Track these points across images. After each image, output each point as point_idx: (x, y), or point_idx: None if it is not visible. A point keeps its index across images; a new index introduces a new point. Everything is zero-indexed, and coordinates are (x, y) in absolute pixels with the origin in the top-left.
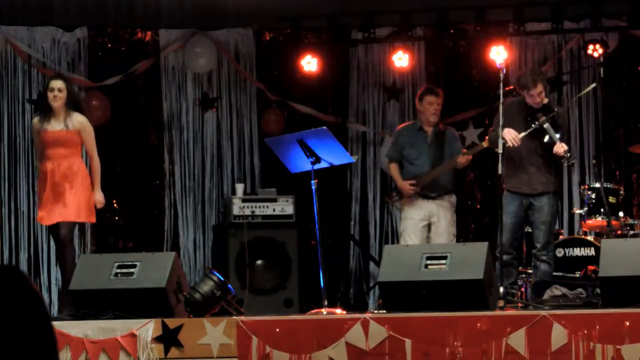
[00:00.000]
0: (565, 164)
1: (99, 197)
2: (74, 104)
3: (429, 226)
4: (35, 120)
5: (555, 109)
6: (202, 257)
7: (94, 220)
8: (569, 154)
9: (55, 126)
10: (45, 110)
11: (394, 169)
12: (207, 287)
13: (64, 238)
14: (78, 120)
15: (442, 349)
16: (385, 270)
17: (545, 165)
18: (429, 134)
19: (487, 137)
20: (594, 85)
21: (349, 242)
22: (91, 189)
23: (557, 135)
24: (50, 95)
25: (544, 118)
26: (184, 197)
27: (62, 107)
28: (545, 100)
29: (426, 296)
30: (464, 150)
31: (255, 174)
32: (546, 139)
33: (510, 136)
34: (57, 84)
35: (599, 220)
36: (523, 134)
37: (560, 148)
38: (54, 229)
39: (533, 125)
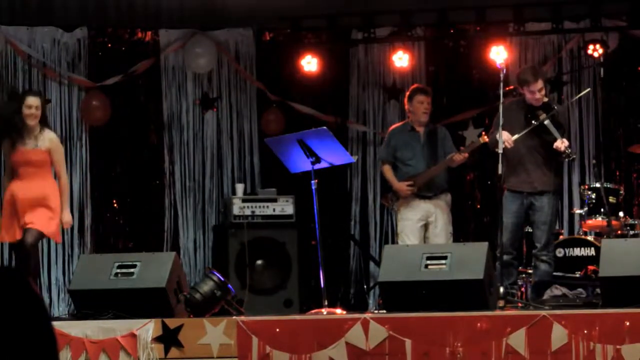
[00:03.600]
0: (566, 160)
1: (67, 218)
2: (45, 120)
3: (426, 226)
4: (6, 140)
5: (555, 107)
6: (202, 257)
7: (59, 240)
8: (569, 150)
9: (26, 145)
10: (19, 129)
11: (388, 171)
12: (207, 287)
13: (31, 246)
14: (49, 138)
15: (442, 349)
16: (385, 270)
17: (545, 163)
18: (421, 134)
19: (484, 133)
20: (588, 90)
21: (349, 242)
22: (59, 209)
23: (559, 131)
24: (27, 112)
25: (544, 115)
26: (184, 197)
27: (37, 125)
28: (545, 99)
29: (426, 296)
30: (462, 148)
31: (255, 174)
32: (547, 135)
33: (504, 138)
34: (33, 101)
35: (599, 220)
36: (517, 135)
37: (560, 144)
38: (17, 244)
39: (533, 122)
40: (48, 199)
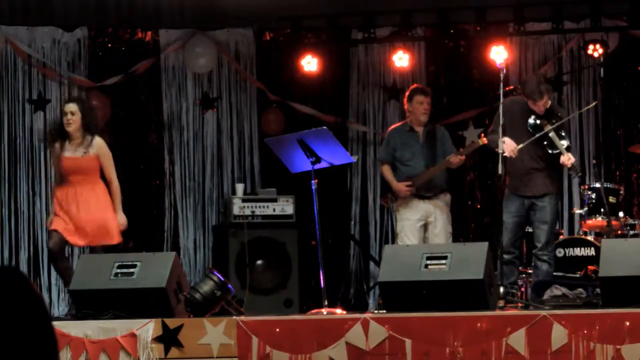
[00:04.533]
0: (573, 176)
1: (122, 220)
2: (91, 125)
3: (425, 226)
4: (57, 145)
5: (560, 114)
6: (202, 257)
7: (114, 241)
8: (576, 166)
9: (73, 152)
10: (62, 135)
11: (387, 171)
12: (207, 287)
13: (57, 248)
14: (97, 144)
15: (442, 349)
16: (385, 270)
17: (549, 170)
18: (421, 134)
19: (482, 135)
20: (595, 103)
21: (349, 242)
22: (111, 211)
23: (564, 145)
24: (64, 119)
25: (548, 126)
26: (184, 197)
27: (78, 131)
28: (548, 104)
29: (426, 296)
30: (461, 150)
31: (255, 174)
32: (551, 148)
33: (509, 149)
34: (71, 107)
35: (599, 220)
36: (521, 145)
37: (567, 160)
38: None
39: (537, 135)
40: (92, 202)
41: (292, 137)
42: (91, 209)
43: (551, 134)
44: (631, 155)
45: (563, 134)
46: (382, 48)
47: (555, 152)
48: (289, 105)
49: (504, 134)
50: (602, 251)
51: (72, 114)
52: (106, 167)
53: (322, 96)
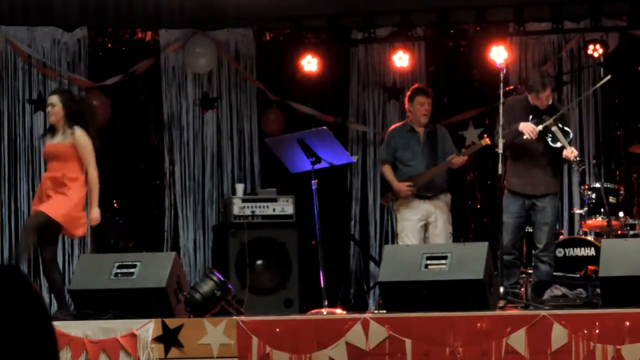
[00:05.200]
0: (576, 170)
1: (94, 214)
2: (75, 118)
3: (426, 226)
4: (47, 137)
5: (561, 110)
6: (202, 257)
7: (76, 233)
8: (579, 159)
9: (53, 139)
10: (51, 128)
11: (387, 171)
12: (207, 287)
13: (30, 223)
14: (75, 134)
15: (442, 349)
16: (385, 270)
17: (550, 168)
18: (421, 135)
19: (485, 135)
20: (609, 77)
21: (349, 242)
22: (82, 202)
23: (567, 139)
24: (47, 111)
25: (551, 121)
26: (184, 197)
27: (61, 122)
28: (550, 101)
29: (426, 296)
30: (463, 150)
31: (255, 174)
32: (554, 142)
33: (528, 129)
34: (51, 99)
35: (599, 220)
36: (541, 126)
37: (570, 153)
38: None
39: (541, 127)
40: (66, 189)
41: (292, 137)
42: (60, 191)
43: (554, 128)
44: (631, 155)
45: (566, 128)
46: (382, 48)
47: (558, 145)
48: (289, 105)
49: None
50: (602, 251)
51: (53, 105)
52: (82, 157)
53: (322, 96)
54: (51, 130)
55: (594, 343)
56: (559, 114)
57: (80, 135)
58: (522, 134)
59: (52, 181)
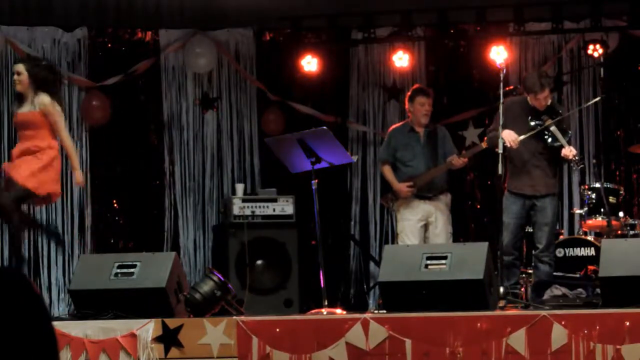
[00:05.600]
0: (574, 168)
1: (78, 176)
2: (41, 84)
3: (426, 226)
4: (16, 105)
5: (560, 111)
6: (202, 257)
7: (53, 199)
8: (577, 158)
9: (22, 109)
10: (19, 97)
11: (388, 171)
12: (207, 287)
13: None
14: (42, 101)
15: (442, 349)
16: (385, 270)
17: (549, 168)
18: (421, 135)
19: (485, 138)
20: (598, 98)
21: (349, 242)
22: (55, 169)
23: (565, 138)
24: (14, 79)
25: (550, 121)
26: (184, 197)
27: (28, 89)
28: (549, 101)
29: (426, 296)
30: (464, 152)
31: (255, 174)
32: (553, 141)
33: (510, 138)
34: (16, 67)
35: (599, 220)
36: (523, 136)
37: (569, 152)
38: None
39: (539, 128)
40: (38, 155)
41: (292, 137)
42: (34, 157)
43: (553, 128)
44: (631, 155)
45: (565, 127)
46: (382, 48)
47: (556, 144)
48: (289, 105)
49: None
50: (602, 251)
51: (19, 73)
52: (53, 123)
53: (322, 96)
54: (19, 99)
55: (594, 343)
56: (559, 118)
57: (49, 104)
58: (504, 141)
59: (23, 152)
